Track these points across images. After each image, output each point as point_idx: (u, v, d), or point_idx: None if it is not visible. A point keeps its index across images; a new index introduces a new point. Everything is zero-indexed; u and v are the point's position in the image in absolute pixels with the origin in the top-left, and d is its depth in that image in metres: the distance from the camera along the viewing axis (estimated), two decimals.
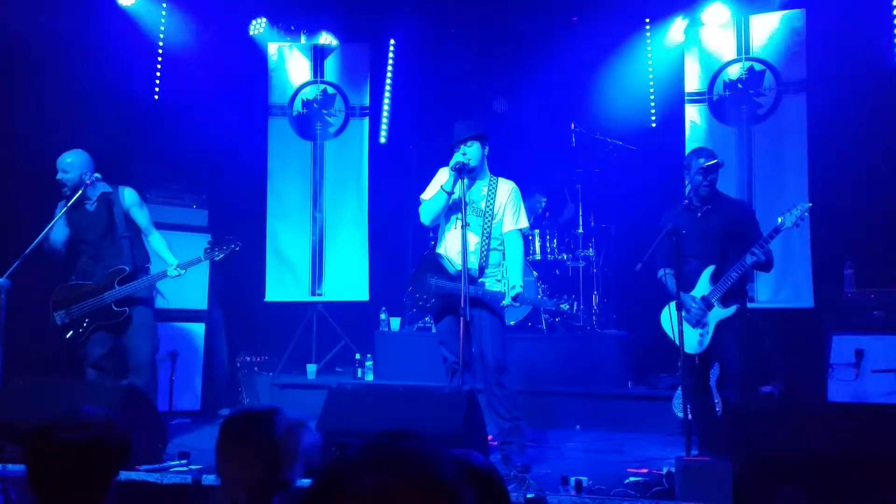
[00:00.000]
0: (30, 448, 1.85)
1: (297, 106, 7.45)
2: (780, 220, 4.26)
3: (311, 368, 6.79)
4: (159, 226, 6.09)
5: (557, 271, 6.87)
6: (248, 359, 7.23)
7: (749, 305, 5.66)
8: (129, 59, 6.61)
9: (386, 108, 7.82)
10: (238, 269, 6.23)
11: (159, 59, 6.96)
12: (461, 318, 4.12)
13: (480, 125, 4.51)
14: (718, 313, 4.36)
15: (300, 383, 6.64)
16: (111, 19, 6.59)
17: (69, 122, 5.91)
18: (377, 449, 1.04)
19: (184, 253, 6.14)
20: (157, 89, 6.95)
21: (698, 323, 4.39)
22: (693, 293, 4.43)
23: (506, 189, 4.53)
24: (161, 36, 6.94)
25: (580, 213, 6.91)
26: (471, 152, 4.37)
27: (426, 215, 4.52)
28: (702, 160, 4.44)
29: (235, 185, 7.09)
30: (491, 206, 4.47)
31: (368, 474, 1.00)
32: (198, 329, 6.24)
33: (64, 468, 1.81)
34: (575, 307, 4.26)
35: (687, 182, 4.58)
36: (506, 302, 4.27)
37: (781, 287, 6.30)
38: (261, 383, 6.74)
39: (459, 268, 4.28)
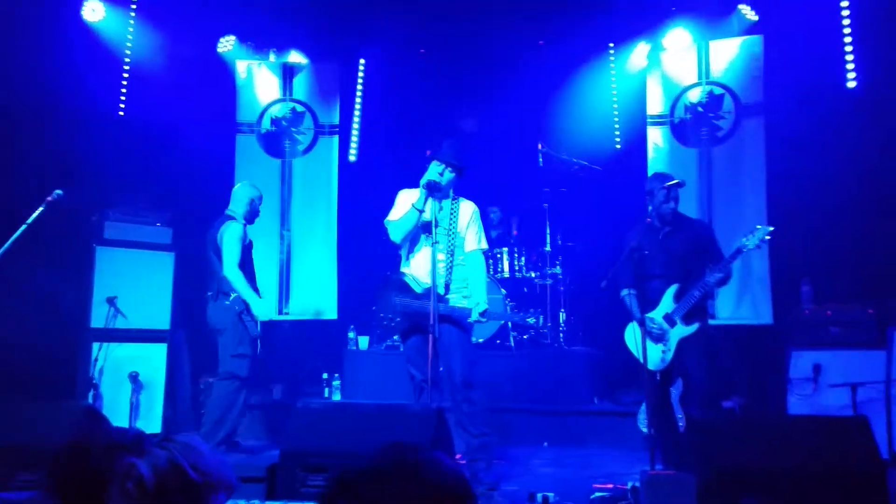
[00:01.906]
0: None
1: (266, 123, 7.44)
2: (743, 240, 4.36)
3: (278, 388, 6.71)
4: (122, 244, 6.06)
5: (525, 289, 6.92)
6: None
7: (710, 322, 5.78)
8: (94, 75, 6.53)
9: (356, 126, 7.84)
10: (202, 288, 6.15)
11: (125, 75, 6.90)
12: (429, 336, 4.14)
13: (466, 158, 4.54)
14: (680, 331, 4.44)
15: (266, 403, 6.56)
16: (76, 34, 6.53)
17: (32, 136, 5.84)
18: (393, 460, 1.04)
19: (147, 272, 6.10)
20: (122, 106, 6.89)
21: (660, 340, 4.47)
22: (656, 311, 4.51)
23: (468, 209, 4.60)
24: (127, 52, 6.89)
25: (547, 233, 6.98)
26: (446, 176, 4.42)
27: (397, 233, 4.54)
28: (664, 182, 4.56)
29: (201, 203, 7.01)
30: (455, 225, 4.52)
31: (385, 486, 1.00)
32: (159, 350, 6.09)
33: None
34: (541, 320, 4.31)
35: (650, 207, 4.67)
36: (473, 318, 4.31)
37: (741, 304, 6.44)
38: None
39: (426, 286, 4.32)
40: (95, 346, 5.75)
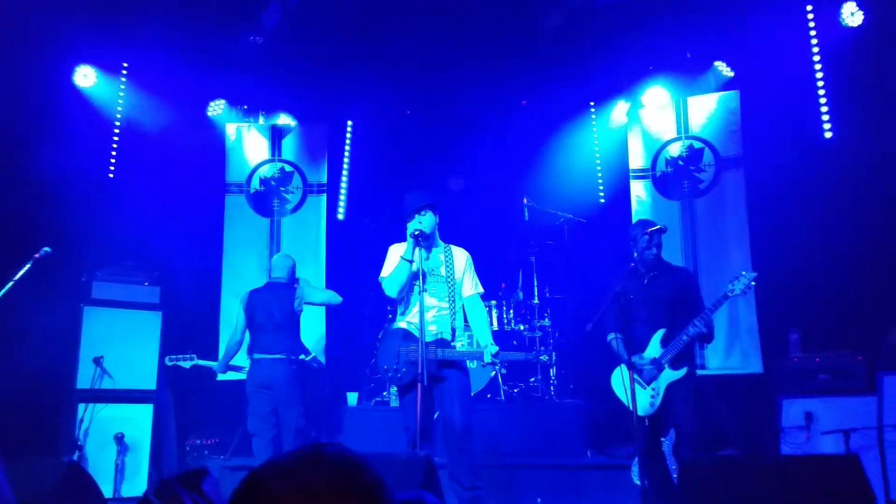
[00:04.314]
0: None
1: (255, 183, 7.53)
2: (729, 287, 4.41)
3: None
4: (109, 303, 6.06)
5: (515, 342, 6.90)
6: (199, 441, 7.00)
7: (701, 372, 5.80)
8: (85, 138, 6.66)
9: (344, 185, 7.96)
10: (190, 348, 6.11)
11: (115, 137, 7.01)
12: (424, 384, 4.13)
13: (430, 194, 4.64)
14: (669, 375, 4.44)
15: (252, 465, 6.42)
16: (68, 99, 6.66)
17: (23, 196, 5.89)
18: (298, 454, 1.07)
19: (135, 331, 6.07)
20: (112, 167, 6.97)
21: (649, 384, 4.45)
22: (644, 355, 4.51)
23: (462, 256, 4.67)
24: (118, 115, 7.02)
25: (535, 285, 7.01)
26: (425, 221, 4.48)
27: (392, 288, 4.54)
28: (646, 228, 4.63)
29: (189, 263, 7.05)
30: (451, 272, 4.56)
31: (288, 477, 1.02)
32: (145, 410, 6.03)
33: None
34: (554, 357, 4.33)
35: (634, 253, 4.74)
36: (486, 360, 4.31)
37: (731, 353, 6.45)
38: (211, 467, 6.49)
39: (430, 335, 4.34)
40: (81, 406, 5.68)
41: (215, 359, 6.02)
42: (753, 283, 4.46)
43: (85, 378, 5.78)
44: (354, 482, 1.04)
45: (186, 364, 5.87)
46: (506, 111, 7.87)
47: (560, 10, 6.67)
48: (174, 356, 5.87)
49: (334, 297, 5.91)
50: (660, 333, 4.51)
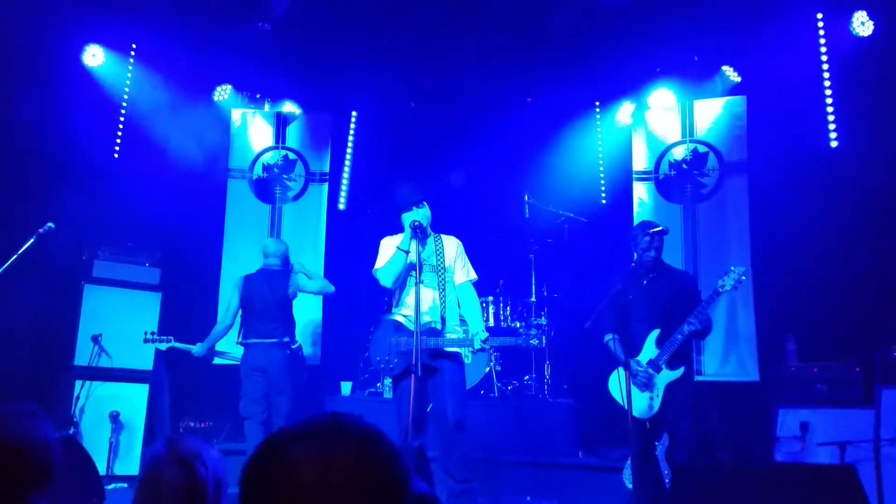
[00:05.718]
0: None
1: (258, 170, 7.53)
2: (720, 282, 4.41)
3: None
4: (110, 282, 6.06)
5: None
6: (192, 424, 7.01)
7: (697, 378, 5.78)
8: (92, 117, 6.64)
9: (346, 175, 7.95)
10: (188, 329, 6.12)
11: (121, 117, 7.00)
12: (421, 375, 4.14)
13: (425, 187, 4.68)
14: (667, 376, 4.44)
15: (244, 450, 6.43)
16: (76, 78, 6.65)
17: (28, 173, 5.89)
18: (316, 422, 1.06)
19: (134, 311, 6.08)
20: (117, 147, 6.96)
21: (647, 386, 4.45)
22: (640, 357, 4.51)
23: (452, 244, 4.70)
24: (125, 96, 7.01)
25: (533, 283, 7.01)
26: (423, 213, 4.52)
27: (388, 278, 4.57)
28: (648, 229, 4.63)
29: (190, 245, 7.06)
30: (442, 261, 4.59)
31: (306, 444, 1.02)
32: (141, 390, 6.06)
33: None
34: (544, 341, 4.35)
35: (635, 254, 4.74)
36: (476, 346, 4.33)
37: (727, 361, 6.45)
38: None
39: (421, 324, 4.33)
40: (78, 383, 5.70)
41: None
42: (744, 278, 4.44)
43: (83, 355, 5.80)
44: (373, 453, 1.04)
45: (163, 346, 5.68)
46: (510, 108, 7.84)
47: (569, 10, 6.65)
48: (151, 336, 5.69)
49: (327, 287, 5.87)
50: (654, 334, 4.51)
